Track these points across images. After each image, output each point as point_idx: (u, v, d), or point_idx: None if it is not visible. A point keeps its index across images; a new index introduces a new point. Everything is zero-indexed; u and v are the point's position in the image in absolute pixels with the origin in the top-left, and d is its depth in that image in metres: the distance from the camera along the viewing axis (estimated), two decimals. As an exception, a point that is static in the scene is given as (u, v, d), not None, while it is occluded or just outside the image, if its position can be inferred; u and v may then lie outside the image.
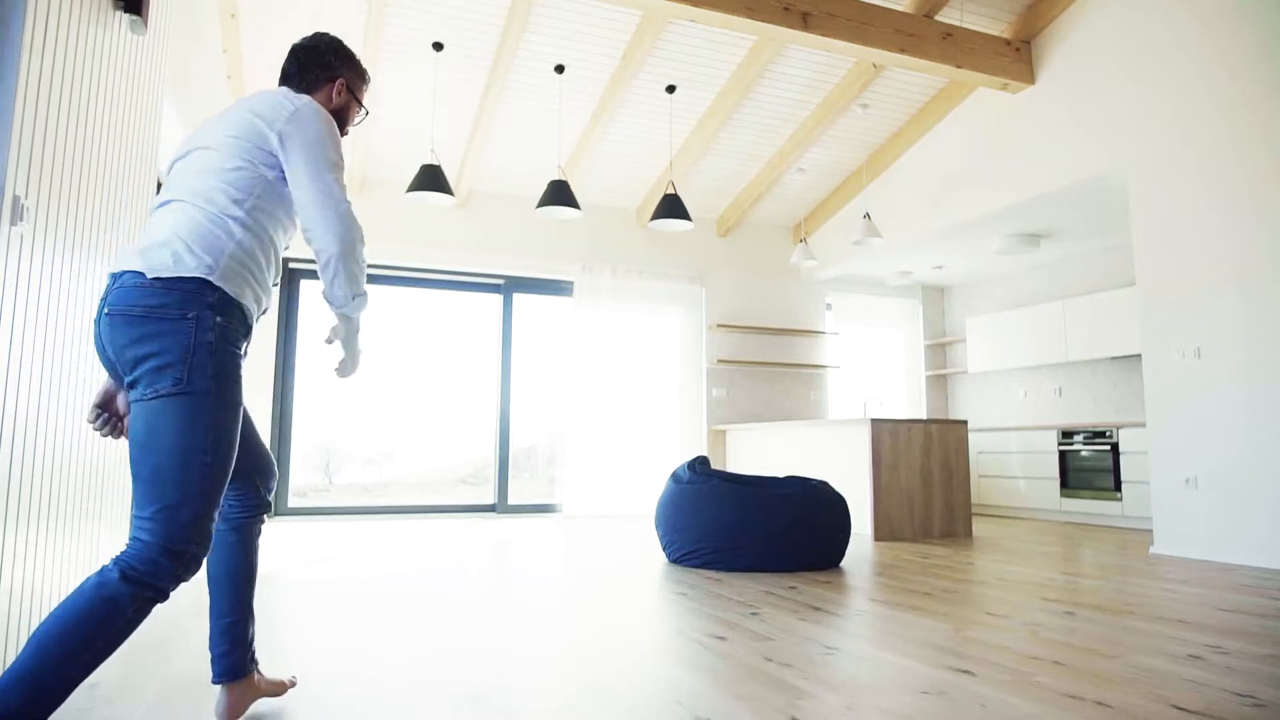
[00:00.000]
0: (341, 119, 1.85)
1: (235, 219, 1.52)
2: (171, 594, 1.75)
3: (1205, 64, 4.46)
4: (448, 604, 2.99)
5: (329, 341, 1.70)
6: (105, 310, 1.44)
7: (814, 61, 5.69)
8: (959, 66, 5.17)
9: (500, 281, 7.08)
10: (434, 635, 2.49)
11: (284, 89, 1.70)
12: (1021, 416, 7.75)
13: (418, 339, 6.93)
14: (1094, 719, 1.73)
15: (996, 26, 5.47)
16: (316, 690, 1.92)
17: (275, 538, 5.05)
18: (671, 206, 5.45)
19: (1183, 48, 4.58)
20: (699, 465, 4.33)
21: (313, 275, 6.54)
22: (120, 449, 2.86)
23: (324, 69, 1.81)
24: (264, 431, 6.09)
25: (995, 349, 7.67)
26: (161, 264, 1.44)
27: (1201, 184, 4.45)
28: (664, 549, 4.21)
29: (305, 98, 1.66)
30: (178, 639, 2.41)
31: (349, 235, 1.60)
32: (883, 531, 5.22)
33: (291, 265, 6.47)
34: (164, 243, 1.47)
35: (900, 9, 5.11)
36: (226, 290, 1.48)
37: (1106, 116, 4.99)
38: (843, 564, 4.13)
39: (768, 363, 7.57)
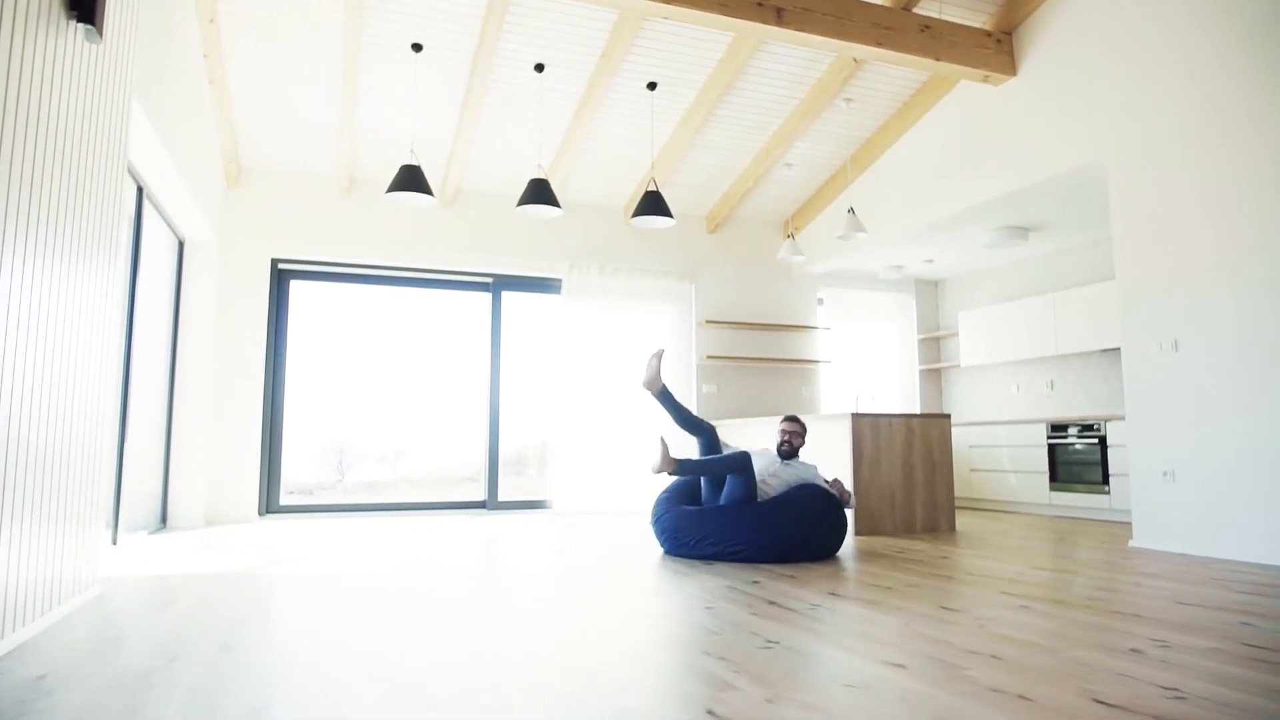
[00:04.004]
0: None
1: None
2: None
3: (1191, 53, 4.43)
4: (416, 599, 3.03)
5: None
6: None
7: (795, 57, 5.69)
8: (938, 59, 5.15)
9: (489, 280, 7.12)
10: (387, 627, 2.53)
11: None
12: (1014, 410, 7.72)
13: (413, 339, 6.99)
14: (1012, 712, 1.75)
15: (978, 18, 5.45)
16: (299, 679, 1.96)
17: (262, 535, 5.12)
18: (653, 203, 5.46)
19: (1168, 36, 4.55)
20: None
21: (302, 275, 6.61)
22: (86, 449, 2.92)
23: None
24: (255, 429, 6.16)
25: (987, 343, 7.64)
26: None
27: (1182, 175, 4.42)
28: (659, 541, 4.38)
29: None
30: (134, 635, 2.46)
31: None
32: (864, 526, 5.22)
33: (280, 266, 6.54)
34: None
35: (878, 2, 5.09)
36: None
37: (1090, 107, 4.96)
38: (819, 559, 4.15)
39: (759, 358, 7.58)
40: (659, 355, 4.27)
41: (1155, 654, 2.23)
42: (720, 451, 4.40)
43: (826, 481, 4.40)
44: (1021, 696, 1.85)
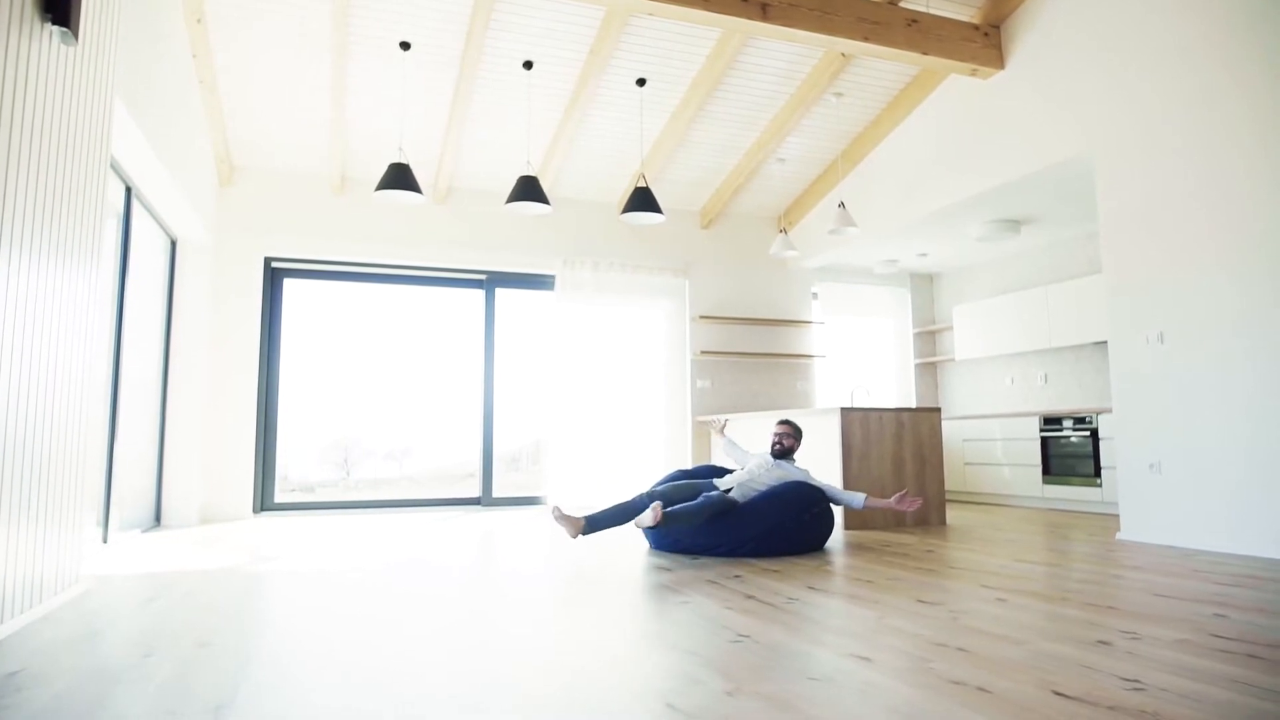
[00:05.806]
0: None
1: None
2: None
3: (1181, 43, 4.40)
4: (399, 596, 3.05)
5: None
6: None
7: (784, 52, 5.69)
8: (925, 53, 5.14)
9: (482, 277, 7.14)
10: (367, 624, 2.55)
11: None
12: (1009, 403, 7.72)
13: (408, 337, 7.02)
14: (969, 704, 1.76)
15: (965, 12, 5.43)
16: (295, 675, 1.98)
17: (255, 533, 5.15)
18: (643, 199, 5.46)
19: (1158, 26, 4.52)
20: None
21: (295, 274, 6.64)
22: (68, 448, 2.94)
23: None
24: (249, 427, 6.19)
25: (982, 336, 7.63)
26: None
27: (1170, 167, 4.41)
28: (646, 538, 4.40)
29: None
30: (113, 632, 2.49)
31: None
32: (853, 521, 5.23)
33: (274, 265, 6.56)
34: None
35: (865, -3, 5.08)
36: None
37: (1078, 99, 4.94)
38: (805, 553, 4.16)
39: (753, 353, 7.59)
40: (557, 514, 4.14)
41: (1122, 646, 2.24)
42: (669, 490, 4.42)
43: (819, 482, 4.41)
44: (981, 689, 1.86)
